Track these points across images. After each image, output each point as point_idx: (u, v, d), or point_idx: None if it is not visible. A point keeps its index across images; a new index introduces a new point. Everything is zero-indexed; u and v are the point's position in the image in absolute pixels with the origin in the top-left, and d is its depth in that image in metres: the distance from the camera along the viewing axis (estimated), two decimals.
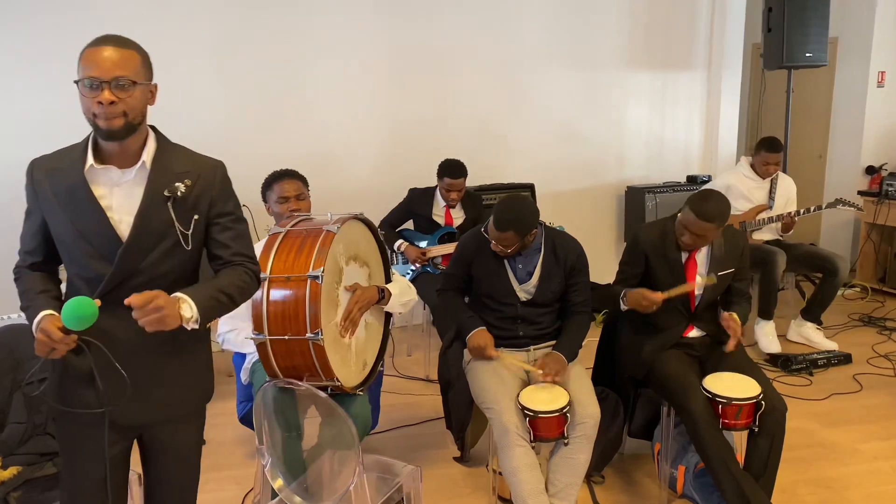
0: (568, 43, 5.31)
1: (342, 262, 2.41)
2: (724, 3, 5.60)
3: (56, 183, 1.64)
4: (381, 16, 4.82)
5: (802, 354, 4.31)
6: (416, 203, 4.38)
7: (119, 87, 1.56)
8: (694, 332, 2.90)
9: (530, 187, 4.89)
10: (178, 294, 1.63)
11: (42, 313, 1.59)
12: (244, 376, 2.81)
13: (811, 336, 4.59)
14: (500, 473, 2.65)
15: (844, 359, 4.32)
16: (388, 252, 4.40)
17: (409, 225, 4.49)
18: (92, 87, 1.55)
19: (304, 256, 2.25)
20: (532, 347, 2.83)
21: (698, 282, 2.82)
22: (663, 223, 2.91)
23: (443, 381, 3.05)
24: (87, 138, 1.67)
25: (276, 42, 4.63)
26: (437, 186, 4.35)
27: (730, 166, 5.33)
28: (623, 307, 2.85)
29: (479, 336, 2.77)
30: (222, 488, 3.01)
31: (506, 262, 2.79)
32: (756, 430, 2.58)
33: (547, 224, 2.89)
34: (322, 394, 2.05)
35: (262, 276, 2.25)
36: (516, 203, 2.68)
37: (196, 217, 1.72)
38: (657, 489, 2.97)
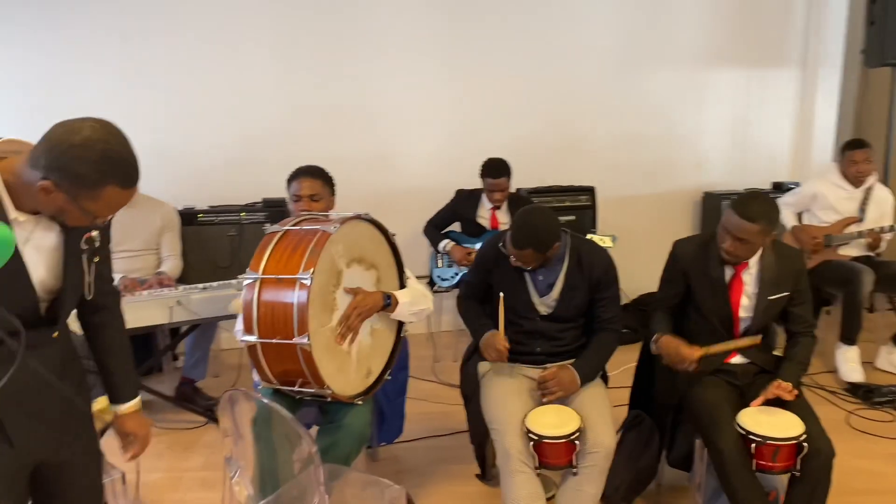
0: (643, 39, 5.00)
1: (342, 264, 2.30)
2: None
3: None
4: (441, 14, 4.70)
5: (890, 386, 3.84)
6: (462, 205, 4.24)
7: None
8: (737, 359, 2.59)
9: (590, 190, 4.63)
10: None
11: None
12: (257, 378, 2.76)
13: None
14: None
15: None
16: (436, 253, 4.31)
17: (457, 227, 4.35)
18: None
19: (297, 257, 2.17)
20: (548, 365, 2.62)
21: (745, 341, 2.53)
22: (705, 236, 2.62)
23: (463, 395, 2.90)
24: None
25: (337, 40, 4.61)
26: (482, 190, 4.19)
27: (827, 172, 4.86)
28: (653, 350, 2.58)
29: (489, 337, 2.58)
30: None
31: (526, 273, 2.59)
32: (797, 474, 2.27)
33: (571, 232, 2.66)
34: (283, 411, 1.94)
35: (254, 275, 2.19)
36: (535, 218, 2.45)
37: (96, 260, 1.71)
38: None
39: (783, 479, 2.45)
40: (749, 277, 2.53)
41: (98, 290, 1.70)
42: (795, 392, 2.37)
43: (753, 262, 2.51)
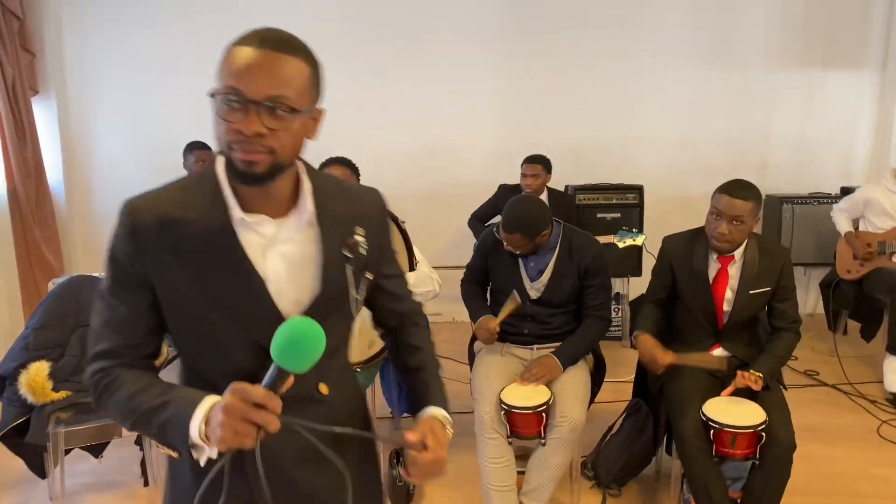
0: (706, 38, 4.99)
1: None
2: None
3: (181, 240, 1.14)
4: (498, 13, 4.90)
5: None
6: (503, 199, 4.37)
7: (274, 114, 1.07)
8: (719, 352, 2.67)
9: (639, 189, 4.68)
10: (434, 414, 1.29)
11: (208, 399, 1.08)
12: None
13: None
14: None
15: None
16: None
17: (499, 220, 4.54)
18: (231, 107, 1.07)
19: None
20: (536, 346, 2.80)
21: (717, 353, 2.63)
22: (692, 232, 2.72)
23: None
24: (213, 172, 1.18)
25: (397, 40, 4.90)
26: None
27: (881, 178, 4.68)
28: (633, 345, 2.71)
29: (482, 320, 2.79)
30: None
31: (519, 259, 2.79)
32: (756, 462, 2.35)
33: (565, 223, 2.83)
34: None
35: None
36: (524, 205, 2.68)
37: (370, 277, 1.30)
38: None
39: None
40: (734, 271, 2.61)
41: (395, 310, 1.40)
42: (760, 383, 2.43)
43: (738, 255, 2.59)
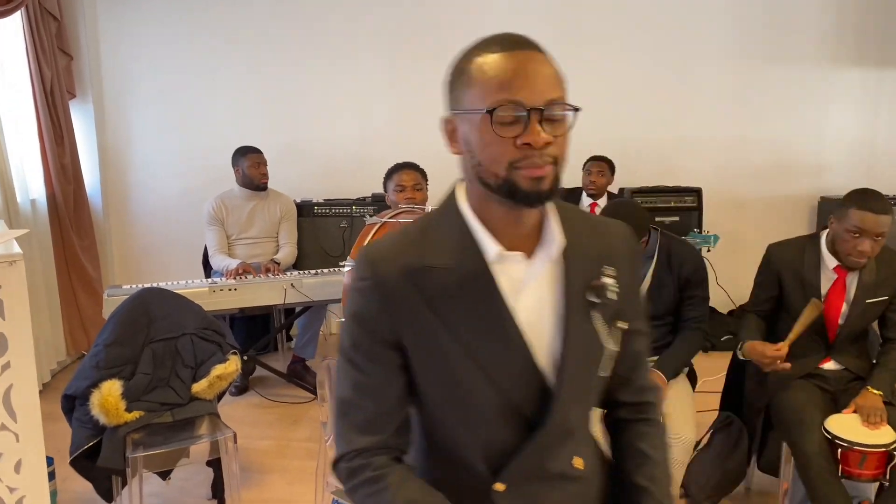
0: (761, 35, 4.85)
1: None
2: None
3: (432, 290, 1.01)
4: (550, 10, 4.77)
5: None
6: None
7: (552, 119, 0.98)
8: (830, 365, 2.54)
9: (697, 191, 4.56)
10: None
11: None
12: None
13: None
14: None
15: None
16: None
17: None
18: (512, 121, 0.95)
19: None
20: None
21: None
22: (802, 241, 2.57)
23: None
24: (454, 207, 1.05)
25: (442, 44, 4.74)
26: (581, 188, 4.25)
27: None
28: (740, 356, 2.55)
29: None
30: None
31: None
32: (886, 484, 2.21)
33: (662, 230, 2.69)
34: None
35: (353, 262, 2.36)
36: (622, 210, 2.51)
37: (624, 326, 1.11)
38: None
39: (874, 489, 2.39)
40: (851, 281, 2.47)
41: (630, 380, 1.19)
42: (876, 405, 2.28)
43: None
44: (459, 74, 1.00)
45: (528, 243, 1.04)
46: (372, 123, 4.84)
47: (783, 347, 2.37)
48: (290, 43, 4.71)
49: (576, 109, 1.00)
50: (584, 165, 4.23)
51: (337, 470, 1.07)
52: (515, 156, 0.95)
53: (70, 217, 4.34)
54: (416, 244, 1.03)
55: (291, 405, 3.83)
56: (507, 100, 0.94)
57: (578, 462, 1.10)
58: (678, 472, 2.39)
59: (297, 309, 3.93)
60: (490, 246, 1.01)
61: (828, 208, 4.88)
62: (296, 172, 4.66)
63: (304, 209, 4.46)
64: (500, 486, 1.04)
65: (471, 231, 1.02)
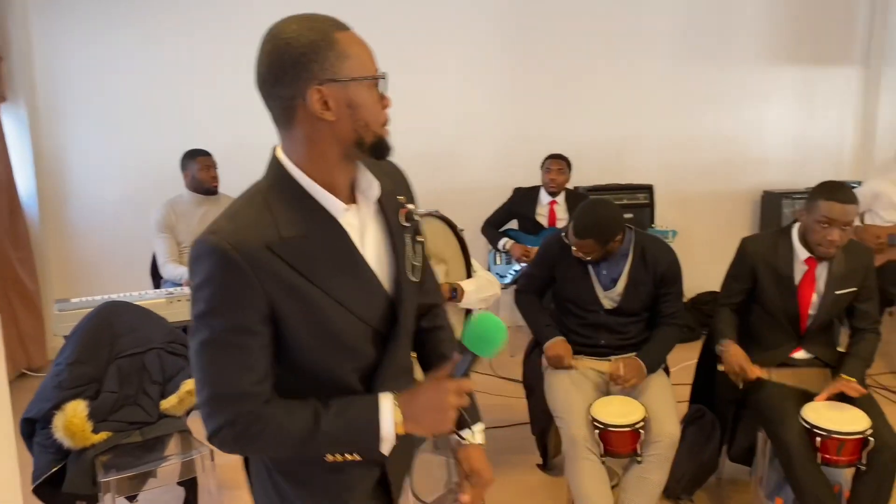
0: (700, 36, 5.02)
1: None
2: None
3: (296, 255, 1.12)
4: (502, 15, 4.79)
5: None
6: (520, 203, 4.32)
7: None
8: (801, 354, 2.62)
9: (648, 188, 4.66)
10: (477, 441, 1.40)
11: (385, 399, 1.18)
12: None
13: None
14: None
15: None
16: (495, 252, 4.41)
17: (514, 226, 4.43)
18: (377, 87, 1.16)
19: None
20: (613, 358, 2.68)
21: (798, 356, 2.60)
22: (775, 234, 2.65)
23: (526, 386, 2.99)
24: (286, 178, 1.17)
25: (399, 42, 4.72)
26: (540, 186, 4.27)
27: (888, 171, 4.80)
28: (717, 352, 2.61)
29: (557, 346, 2.67)
30: None
31: (590, 267, 2.66)
32: (863, 468, 2.29)
33: (636, 228, 2.72)
34: None
35: None
36: (596, 209, 2.53)
37: (422, 240, 1.33)
38: None
39: (846, 474, 2.48)
40: (821, 272, 2.55)
41: (428, 284, 1.40)
42: (861, 389, 2.38)
43: None
44: (325, 47, 1.09)
45: (350, 193, 1.21)
46: None
47: (757, 373, 2.45)
48: (235, 40, 4.55)
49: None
50: (543, 164, 4.26)
51: (219, 438, 1.12)
52: (385, 117, 1.18)
53: (4, 228, 4.09)
54: (267, 220, 1.12)
55: None
56: (379, 70, 1.16)
57: (413, 354, 1.37)
58: (666, 468, 2.42)
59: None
60: (335, 204, 1.15)
61: (770, 201, 5.07)
62: (246, 174, 4.47)
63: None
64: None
65: (311, 195, 1.15)
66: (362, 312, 1.18)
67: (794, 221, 2.58)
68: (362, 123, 1.13)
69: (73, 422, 2.31)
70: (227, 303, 1.09)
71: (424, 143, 4.85)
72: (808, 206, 2.46)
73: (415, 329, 1.38)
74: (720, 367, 2.59)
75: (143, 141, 4.54)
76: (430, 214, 2.48)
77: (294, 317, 1.12)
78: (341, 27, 1.14)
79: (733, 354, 2.51)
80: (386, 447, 1.18)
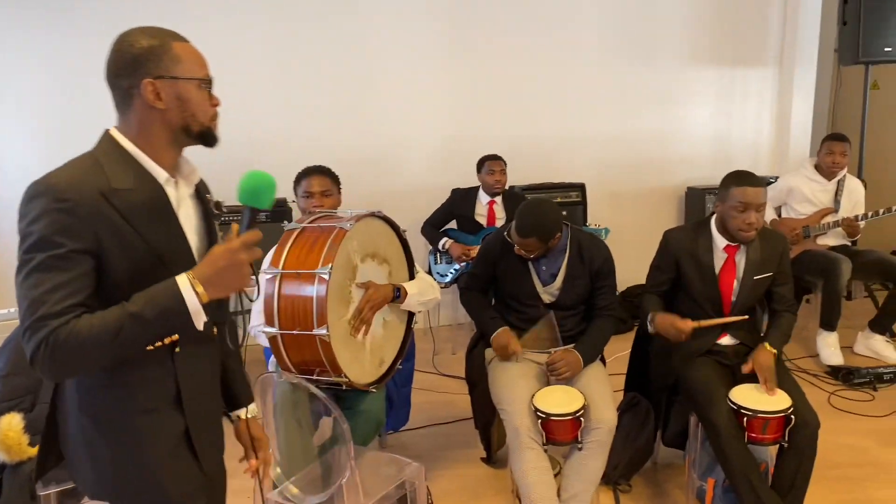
0: (627, 38, 5.20)
1: (356, 259, 2.42)
2: None
3: (124, 205, 1.31)
4: (438, 16, 4.85)
5: (867, 368, 4.05)
6: (459, 203, 4.39)
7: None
8: (727, 340, 2.77)
9: (581, 187, 4.80)
10: None
11: (181, 276, 1.31)
12: (272, 368, 2.88)
13: (879, 349, 4.31)
14: None
15: None
16: (435, 252, 4.46)
17: (454, 226, 4.50)
18: (207, 88, 1.43)
19: (316, 253, 2.27)
20: (553, 350, 2.78)
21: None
22: (695, 226, 2.80)
23: (469, 381, 3.05)
24: (116, 147, 1.38)
25: (336, 43, 4.73)
26: (478, 186, 4.35)
27: (801, 167, 5.08)
28: (650, 329, 2.74)
29: (502, 335, 2.74)
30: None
31: (530, 263, 2.75)
32: (785, 445, 2.45)
33: (572, 225, 2.82)
34: (316, 390, 2.08)
35: (275, 270, 2.30)
36: (538, 208, 2.62)
37: (220, 233, 1.57)
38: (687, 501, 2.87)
39: (772, 453, 2.64)
40: (740, 259, 2.71)
41: None
42: (769, 364, 2.55)
43: (742, 245, 2.70)
44: (162, 52, 1.35)
45: (173, 173, 1.43)
46: (259, 126, 4.70)
47: (689, 325, 2.58)
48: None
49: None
50: (483, 165, 4.31)
51: (39, 360, 1.22)
52: (213, 112, 1.44)
53: None
54: (98, 173, 1.31)
55: None
56: (208, 74, 1.42)
57: (215, 329, 1.53)
58: (604, 454, 2.52)
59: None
60: (160, 172, 1.39)
61: (694, 197, 5.29)
62: None
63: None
64: (178, 349, 1.42)
65: (139, 161, 1.38)
66: (173, 267, 1.34)
67: (712, 214, 2.74)
68: (189, 114, 1.39)
69: (9, 435, 2.26)
70: (56, 233, 1.23)
71: (364, 145, 4.88)
72: (721, 197, 2.63)
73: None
74: (651, 331, 2.70)
75: (70, 148, 4.38)
76: (372, 215, 2.49)
77: (115, 258, 1.30)
78: (180, 39, 1.40)
79: (662, 318, 2.65)
80: (199, 321, 1.31)
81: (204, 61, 1.42)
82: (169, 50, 1.36)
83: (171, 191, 1.41)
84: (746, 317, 2.69)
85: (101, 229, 1.27)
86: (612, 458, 2.96)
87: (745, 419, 2.44)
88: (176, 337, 1.40)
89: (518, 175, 4.84)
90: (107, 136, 1.40)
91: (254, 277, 1.42)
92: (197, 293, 1.29)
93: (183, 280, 1.30)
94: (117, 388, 1.38)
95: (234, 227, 1.36)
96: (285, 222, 2.57)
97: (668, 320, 2.63)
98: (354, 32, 4.74)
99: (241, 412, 1.70)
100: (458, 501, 2.93)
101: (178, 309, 1.28)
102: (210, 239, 1.50)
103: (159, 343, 1.36)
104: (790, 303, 2.77)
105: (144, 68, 1.34)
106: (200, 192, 1.52)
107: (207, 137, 1.44)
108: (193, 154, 1.50)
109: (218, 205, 1.56)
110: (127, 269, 1.31)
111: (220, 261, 1.31)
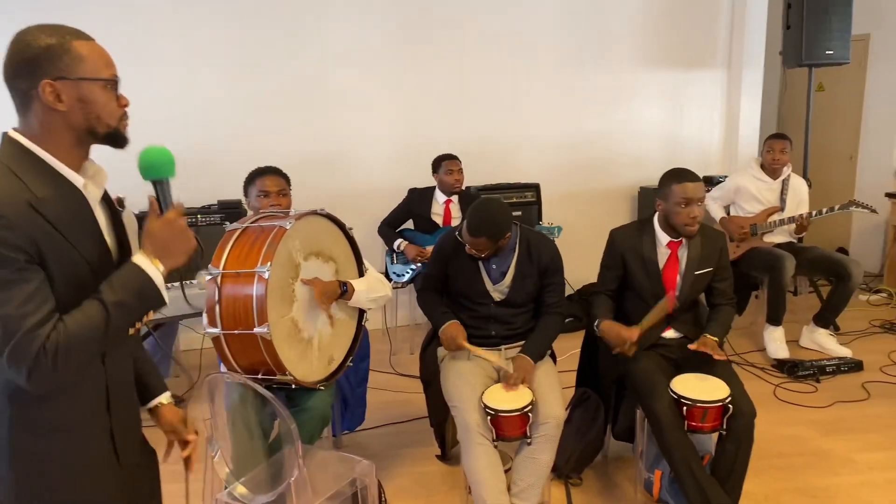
0: (580, 42, 5.29)
1: (299, 257, 2.42)
2: (745, 1, 5.47)
3: (51, 213, 1.31)
4: (392, 16, 4.88)
5: (811, 360, 4.19)
6: (415, 203, 4.42)
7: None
8: (671, 333, 2.86)
9: (535, 187, 4.88)
10: None
11: (137, 256, 1.38)
12: (223, 369, 2.88)
13: (823, 342, 4.45)
14: None
15: (856, 366, 4.18)
16: (391, 252, 4.49)
17: (410, 225, 4.53)
18: (113, 88, 1.39)
19: (255, 252, 2.26)
20: (504, 347, 2.83)
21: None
22: (639, 223, 2.89)
23: (423, 380, 3.09)
24: (26, 153, 1.34)
25: (289, 42, 4.73)
26: (434, 186, 4.38)
27: (748, 167, 5.22)
28: (597, 333, 2.81)
29: (450, 328, 2.78)
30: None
31: (480, 263, 2.79)
32: (724, 433, 2.53)
33: (521, 224, 2.88)
34: (261, 389, 2.10)
35: (215, 271, 2.29)
36: (489, 208, 2.66)
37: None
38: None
39: (713, 440, 2.72)
40: (682, 255, 2.80)
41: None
42: (721, 353, 2.63)
43: (684, 240, 2.78)
44: (62, 51, 1.31)
45: (84, 175, 1.42)
46: (211, 126, 4.69)
47: (634, 333, 2.65)
48: (120, 40, 4.43)
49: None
50: (440, 165, 4.34)
51: (39, 370, 1.25)
52: (121, 113, 1.40)
53: None
54: (17, 184, 1.29)
55: (147, 428, 3.63)
56: (114, 74, 1.38)
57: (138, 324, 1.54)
58: (553, 448, 2.57)
59: (144, 329, 3.73)
60: (76, 178, 1.37)
61: (647, 197, 5.40)
62: (131, 184, 4.38)
63: (144, 222, 4.22)
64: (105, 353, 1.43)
65: (54, 168, 1.35)
66: (100, 273, 1.37)
67: (654, 213, 2.82)
68: (94, 116, 1.36)
69: None
70: (4, 249, 1.23)
71: (320, 145, 4.89)
72: (663, 195, 2.72)
73: None
74: (614, 350, 2.74)
75: None
76: (315, 213, 2.49)
77: (54, 267, 1.30)
78: (83, 37, 1.35)
79: (608, 327, 2.72)
80: (166, 296, 1.39)
81: (109, 60, 1.38)
82: (69, 49, 1.32)
83: (90, 194, 1.41)
84: (669, 304, 2.71)
85: (39, 240, 1.27)
86: (563, 451, 3.04)
87: (685, 408, 2.52)
88: (151, 315, 1.45)
89: (474, 175, 4.90)
90: (8, 140, 1.35)
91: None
92: (156, 267, 1.37)
93: (140, 259, 1.36)
94: (54, 399, 1.37)
95: (151, 198, 1.42)
96: (226, 223, 2.55)
97: (615, 330, 2.69)
98: (308, 32, 4.75)
99: (163, 398, 1.73)
100: (412, 498, 2.97)
101: (150, 286, 1.36)
102: (118, 237, 1.50)
103: (139, 324, 1.44)
104: (729, 297, 2.87)
105: (42, 69, 1.30)
106: (106, 191, 1.52)
107: (116, 139, 1.42)
108: (125, 154, 1.50)
109: (120, 201, 1.61)
110: (62, 277, 1.31)
111: (162, 233, 1.38)
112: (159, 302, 1.38)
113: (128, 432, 1.55)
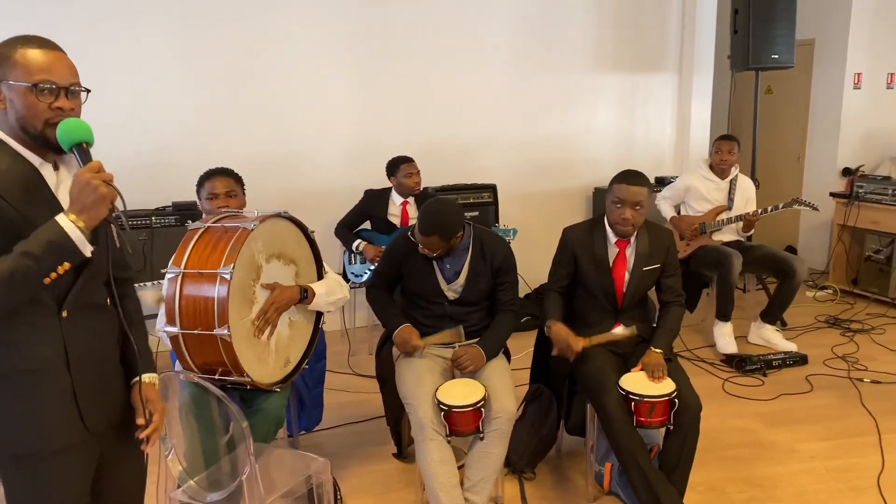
0: (536, 46, 5.36)
1: (261, 259, 2.45)
2: (695, 6, 5.62)
3: (7, 185, 1.51)
4: (348, 16, 4.90)
5: (758, 355, 4.33)
6: (372, 204, 4.45)
7: (74, 94, 1.57)
8: (620, 329, 2.92)
9: (492, 188, 4.94)
10: None
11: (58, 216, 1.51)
12: (177, 368, 2.87)
13: (770, 337, 4.60)
14: None
15: (800, 360, 4.34)
16: (349, 253, 4.51)
17: (368, 226, 4.55)
18: (49, 93, 1.52)
19: (218, 253, 2.27)
20: (458, 345, 2.87)
21: (619, 331, 2.82)
22: (591, 222, 2.96)
23: (379, 379, 3.12)
24: None
25: (243, 41, 4.71)
26: (391, 188, 4.41)
27: (698, 167, 5.36)
28: (546, 333, 2.88)
29: (403, 331, 2.82)
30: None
31: (434, 262, 2.84)
32: (671, 427, 2.62)
33: (474, 224, 2.93)
34: (214, 388, 2.11)
35: (176, 270, 2.30)
36: (440, 208, 2.71)
37: None
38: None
39: (662, 435, 2.81)
40: (630, 252, 2.88)
41: (116, 259, 1.70)
42: (662, 377, 2.67)
43: (632, 237, 2.87)
44: (3, 58, 1.49)
45: (56, 160, 1.61)
46: (165, 127, 4.64)
47: (580, 344, 2.73)
48: (76, 44, 4.37)
49: (87, 91, 1.59)
50: (398, 168, 4.36)
51: None
52: (50, 115, 1.51)
53: None
54: None
55: None
56: (47, 79, 1.50)
57: (108, 299, 1.70)
58: (505, 442, 2.63)
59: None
60: (34, 157, 1.55)
61: (601, 197, 5.51)
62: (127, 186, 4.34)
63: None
64: (65, 313, 1.56)
65: (12, 147, 1.53)
66: None
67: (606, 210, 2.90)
68: (21, 118, 1.51)
69: None
70: None
71: (275, 146, 4.88)
72: (607, 192, 2.80)
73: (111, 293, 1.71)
74: (554, 353, 2.84)
75: None
76: (278, 215, 2.51)
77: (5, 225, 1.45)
78: (32, 46, 1.52)
79: (557, 332, 2.79)
80: (85, 248, 1.49)
81: (46, 67, 1.50)
82: (10, 57, 1.50)
83: (48, 173, 1.57)
84: (633, 331, 2.81)
85: None
86: (517, 446, 3.11)
87: (633, 404, 2.59)
88: (68, 266, 1.49)
89: (431, 176, 4.94)
90: None
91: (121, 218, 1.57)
92: (72, 222, 1.46)
93: (59, 216, 1.47)
94: (3, 346, 1.52)
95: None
96: (189, 222, 2.55)
97: (563, 335, 2.77)
98: (263, 32, 4.74)
99: (145, 377, 1.78)
100: (368, 496, 3.00)
101: (62, 237, 1.46)
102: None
103: (55, 274, 1.47)
104: (678, 293, 2.96)
105: None
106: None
107: (42, 141, 1.54)
108: (93, 150, 1.57)
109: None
110: (3, 237, 1.46)
111: (74, 190, 1.48)
112: (74, 253, 1.47)
113: (97, 399, 1.65)
